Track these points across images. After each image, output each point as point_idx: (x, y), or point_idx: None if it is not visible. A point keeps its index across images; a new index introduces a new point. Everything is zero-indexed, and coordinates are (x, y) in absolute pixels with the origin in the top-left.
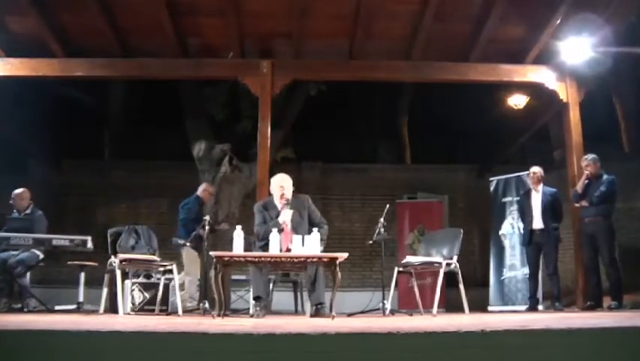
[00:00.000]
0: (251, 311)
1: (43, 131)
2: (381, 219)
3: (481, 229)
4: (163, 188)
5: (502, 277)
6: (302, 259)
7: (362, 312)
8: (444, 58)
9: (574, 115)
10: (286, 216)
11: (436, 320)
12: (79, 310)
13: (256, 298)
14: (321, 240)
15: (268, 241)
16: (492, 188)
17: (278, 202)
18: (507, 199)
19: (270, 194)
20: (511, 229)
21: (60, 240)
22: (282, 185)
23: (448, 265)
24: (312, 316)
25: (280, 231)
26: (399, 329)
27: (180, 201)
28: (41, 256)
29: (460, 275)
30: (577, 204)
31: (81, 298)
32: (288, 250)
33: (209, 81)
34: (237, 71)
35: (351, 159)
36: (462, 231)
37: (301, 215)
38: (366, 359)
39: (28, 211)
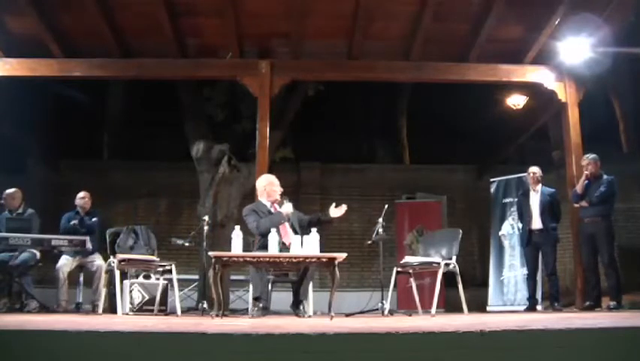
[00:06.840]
0: (249, 311)
1: (41, 131)
2: (380, 220)
3: (480, 229)
4: (161, 188)
5: (502, 278)
6: (301, 259)
7: (361, 312)
8: (443, 58)
9: (572, 115)
10: (287, 208)
11: (435, 320)
12: (78, 310)
13: (256, 299)
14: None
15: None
16: (493, 189)
17: (266, 202)
18: (508, 200)
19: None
20: (511, 229)
21: (59, 240)
22: (277, 184)
23: (446, 265)
24: (290, 307)
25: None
26: (397, 330)
27: (180, 201)
28: (38, 255)
29: (459, 275)
30: (576, 205)
31: (80, 299)
32: (287, 245)
33: (208, 81)
34: (236, 71)
35: (350, 159)
36: (461, 231)
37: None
38: (364, 359)
39: (20, 210)
